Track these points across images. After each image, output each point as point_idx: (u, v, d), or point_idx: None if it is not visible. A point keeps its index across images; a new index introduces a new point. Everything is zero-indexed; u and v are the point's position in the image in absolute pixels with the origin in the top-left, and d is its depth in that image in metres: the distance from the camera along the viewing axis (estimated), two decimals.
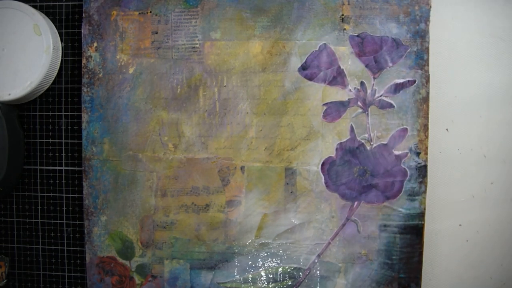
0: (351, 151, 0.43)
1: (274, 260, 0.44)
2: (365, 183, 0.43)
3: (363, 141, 0.43)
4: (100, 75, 0.45)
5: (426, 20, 0.42)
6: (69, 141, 0.48)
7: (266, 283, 0.44)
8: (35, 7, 0.46)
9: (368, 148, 0.43)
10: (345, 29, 0.43)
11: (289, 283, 0.44)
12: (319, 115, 0.44)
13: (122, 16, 0.45)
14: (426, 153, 0.43)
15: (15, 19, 0.45)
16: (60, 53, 0.47)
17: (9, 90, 0.45)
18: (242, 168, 0.44)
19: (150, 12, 0.45)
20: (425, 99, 0.43)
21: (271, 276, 0.44)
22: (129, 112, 0.45)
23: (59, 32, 0.47)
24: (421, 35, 0.43)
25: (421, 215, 0.43)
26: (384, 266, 0.44)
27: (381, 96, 0.43)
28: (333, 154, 0.44)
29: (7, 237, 0.49)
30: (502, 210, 0.46)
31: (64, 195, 0.48)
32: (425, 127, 0.43)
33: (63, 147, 0.48)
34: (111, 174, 0.45)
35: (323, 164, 0.44)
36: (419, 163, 0.43)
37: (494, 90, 0.45)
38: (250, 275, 0.45)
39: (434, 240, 0.46)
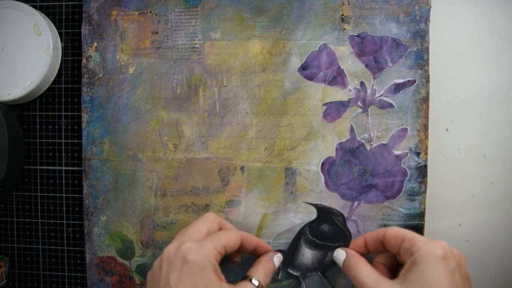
0: (351, 151, 0.43)
1: None
2: (365, 183, 0.43)
3: (363, 141, 0.43)
4: (100, 75, 0.45)
5: (426, 20, 0.42)
6: (69, 141, 0.48)
7: None
8: (35, 7, 0.46)
9: (368, 148, 0.43)
10: (345, 29, 0.43)
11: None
12: (319, 115, 0.44)
13: (122, 16, 0.45)
14: (426, 153, 0.43)
15: (15, 19, 0.45)
16: (60, 53, 0.47)
17: (9, 90, 0.45)
18: (242, 168, 0.44)
19: (150, 12, 0.45)
20: (425, 99, 0.43)
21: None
22: (129, 112, 0.45)
23: (59, 32, 0.47)
24: (421, 35, 0.43)
25: (421, 215, 0.43)
26: None
27: (381, 96, 0.43)
28: (333, 154, 0.44)
29: (7, 237, 0.49)
30: (502, 210, 0.46)
31: (64, 195, 0.48)
32: (425, 127, 0.43)
33: (63, 147, 0.48)
34: (111, 174, 0.45)
35: (323, 164, 0.44)
36: (419, 163, 0.43)
37: (494, 90, 0.45)
38: None
39: None
